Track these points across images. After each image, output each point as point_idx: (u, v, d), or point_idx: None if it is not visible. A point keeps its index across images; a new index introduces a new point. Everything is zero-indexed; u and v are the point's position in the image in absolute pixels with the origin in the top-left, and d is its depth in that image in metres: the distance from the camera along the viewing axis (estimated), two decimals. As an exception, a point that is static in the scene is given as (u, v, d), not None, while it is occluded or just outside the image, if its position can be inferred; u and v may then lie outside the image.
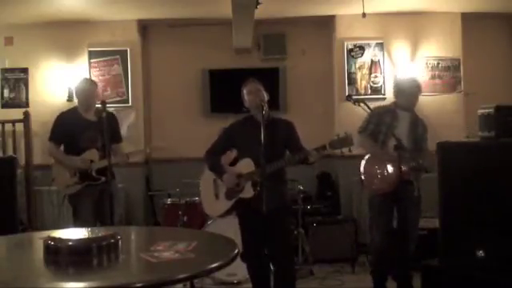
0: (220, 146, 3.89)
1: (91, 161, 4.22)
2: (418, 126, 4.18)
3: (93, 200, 4.23)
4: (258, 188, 3.54)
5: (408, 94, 4.19)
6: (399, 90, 4.23)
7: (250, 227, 3.70)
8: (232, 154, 4.01)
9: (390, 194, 3.92)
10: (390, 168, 3.95)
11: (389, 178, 3.94)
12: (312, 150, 3.53)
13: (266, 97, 3.71)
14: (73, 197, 4.27)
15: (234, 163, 3.87)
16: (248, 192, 3.65)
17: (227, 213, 3.87)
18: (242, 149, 3.79)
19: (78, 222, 4.14)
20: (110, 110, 5.79)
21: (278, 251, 3.65)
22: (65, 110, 4.61)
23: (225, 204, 3.79)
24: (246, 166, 3.67)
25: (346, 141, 3.49)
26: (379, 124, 4.09)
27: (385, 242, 4.02)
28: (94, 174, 4.20)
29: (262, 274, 3.77)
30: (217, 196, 3.86)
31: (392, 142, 3.92)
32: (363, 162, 4.09)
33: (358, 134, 4.12)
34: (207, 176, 3.94)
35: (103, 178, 4.15)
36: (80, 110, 4.40)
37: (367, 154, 4.13)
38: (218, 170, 3.79)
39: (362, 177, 4.09)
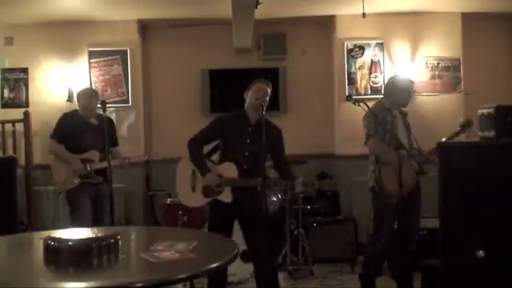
0: (205, 137, 3.77)
1: (90, 160, 4.31)
2: (409, 123, 4.18)
3: (90, 198, 4.32)
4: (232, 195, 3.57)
5: (406, 91, 4.17)
6: (396, 87, 4.17)
7: (220, 221, 3.67)
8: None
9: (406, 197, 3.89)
10: (407, 171, 3.91)
11: (409, 182, 3.90)
12: (300, 180, 3.57)
13: (267, 102, 3.65)
14: (70, 193, 4.34)
15: (210, 155, 3.84)
16: (227, 197, 3.59)
17: (201, 207, 3.95)
18: (228, 146, 3.69)
19: (76, 219, 4.21)
20: (110, 109, 5.87)
21: (260, 252, 3.62)
22: (67, 110, 4.73)
23: (200, 199, 3.73)
24: (230, 169, 3.59)
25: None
26: (383, 124, 4.01)
27: (390, 243, 4.00)
28: (92, 173, 4.30)
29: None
30: (193, 189, 3.76)
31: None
32: (378, 169, 3.97)
33: (370, 138, 3.99)
34: (186, 164, 3.80)
35: (101, 178, 4.27)
36: (81, 113, 4.52)
37: (379, 157, 4.01)
38: (200, 165, 3.68)
39: (377, 184, 3.97)
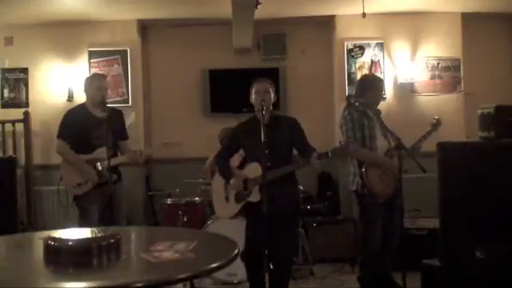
0: (227, 150, 3.98)
1: (100, 160, 4.08)
2: (383, 121, 4.14)
3: (100, 203, 4.08)
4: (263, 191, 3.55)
5: (378, 89, 4.23)
6: (371, 85, 4.18)
7: (256, 226, 3.67)
8: (239, 156, 4.05)
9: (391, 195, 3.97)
10: (392, 171, 3.95)
11: (394, 181, 3.95)
12: (315, 155, 3.55)
13: (272, 99, 3.71)
14: (80, 198, 4.13)
15: (243, 165, 3.91)
16: (255, 196, 3.69)
17: (236, 215, 3.98)
18: (247, 150, 3.84)
19: (82, 224, 4.04)
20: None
21: (280, 252, 3.65)
22: (71, 107, 4.47)
23: (234, 207, 3.88)
24: (254, 170, 3.69)
25: (347, 149, 3.59)
26: (361, 130, 4.03)
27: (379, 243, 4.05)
28: (105, 171, 4.04)
29: (260, 274, 3.75)
30: (227, 199, 3.95)
31: (380, 144, 4.00)
32: (364, 171, 3.99)
33: (350, 144, 3.97)
34: (218, 180, 4.01)
35: (115, 176, 4.12)
36: (88, 107, 4.24)
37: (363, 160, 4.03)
38: (225, 175, 3.87)
39: (365, 185, 3.99)
